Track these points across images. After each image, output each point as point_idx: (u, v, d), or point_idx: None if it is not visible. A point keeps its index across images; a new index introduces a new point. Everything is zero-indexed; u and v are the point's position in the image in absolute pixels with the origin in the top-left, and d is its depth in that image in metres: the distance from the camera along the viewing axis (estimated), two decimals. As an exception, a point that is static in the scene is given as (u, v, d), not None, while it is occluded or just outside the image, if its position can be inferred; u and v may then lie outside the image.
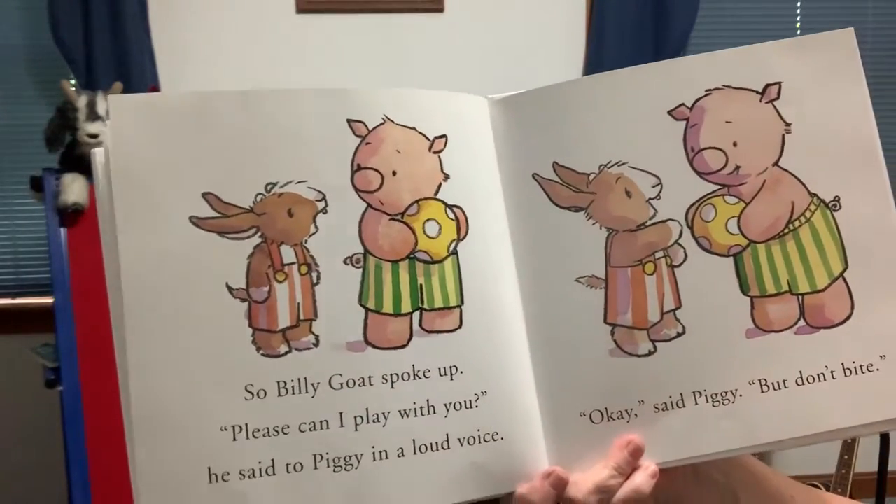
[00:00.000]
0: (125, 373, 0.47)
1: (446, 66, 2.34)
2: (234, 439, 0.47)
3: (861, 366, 0.50)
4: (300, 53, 2.32)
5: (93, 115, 1.82)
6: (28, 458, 2.26)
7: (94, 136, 1.79)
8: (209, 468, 0.47)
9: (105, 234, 0.48)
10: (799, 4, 2.50)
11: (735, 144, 0.52)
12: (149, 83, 2.13)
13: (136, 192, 0.48)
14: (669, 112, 0.53)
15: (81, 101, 1.82)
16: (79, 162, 1.82)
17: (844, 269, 0.51)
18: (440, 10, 2.35)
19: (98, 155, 0.49)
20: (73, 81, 2.12)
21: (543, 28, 2.40)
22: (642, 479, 0.49)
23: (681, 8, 2.32)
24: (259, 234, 0.49)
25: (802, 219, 0.52)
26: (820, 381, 0.50)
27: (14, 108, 2.29)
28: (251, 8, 2.30)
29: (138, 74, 2.13)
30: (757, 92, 0.52)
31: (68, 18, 2.11)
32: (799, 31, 2.51)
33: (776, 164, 0.52)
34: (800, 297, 0.51)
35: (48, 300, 1.83)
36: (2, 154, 2.29)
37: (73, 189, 1.79)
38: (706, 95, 0.52)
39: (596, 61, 2.33)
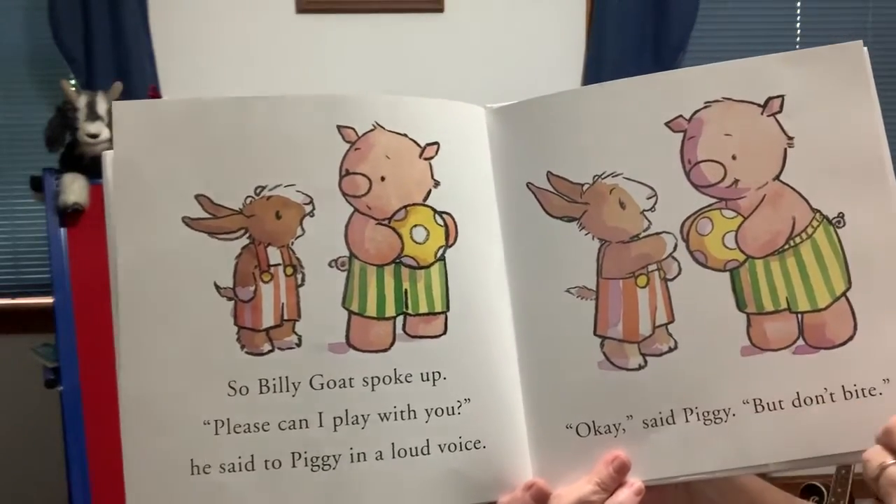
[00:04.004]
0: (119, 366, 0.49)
1: (446, 66, 2.33)
2: (216, 433, 0.48)
3: (863, 389, 0.49)
4: (300, 53, 2.31)
5: (93, 115, 1.80)
6: (28, 458, 2.25)
7: (94, 135, 1.78)
8: (191, 460, 0.48)
9: (110, 233, 0.50)
10: (799, 4, 2.48)
11: (734, 157, 0.51)
12: (149, 83, 2.12)
13: (134, 191, 0.50)
14: (667, 123, 0.52)
15: (81, 101, 1.81)
16: (79, 162, 1.80)
17: (847, 288, 0.50)
18: (440, 10, 2.34)
19: (108, 157, 0.50)
20: (73, 81, 2.11)
21: (543, 28, 2.38)
22: (626, 497, 0.48)
23: (681, 8, 2.30)
24: (247, 235, 0.50)
25: (804, 235, 0.50)
26: (818, 403, 0.49)
27: (14, 108, 2.27)
28: (251, 8, 2.29)
29: (138, 74, 2.11)
30: (758, 105, 0.51)
31: (68, 18, 2.09)
32: (799, 31, 2.48)
33: (777, 178, 0.51)
34: (799, 316, 0.50)
35: (48, 300, 1.82)
36: (2, 154, 2.28)
37: (73, 189, 1.78)
38: (705, 107, 0.51)
39: (596, 62, 2.31)
